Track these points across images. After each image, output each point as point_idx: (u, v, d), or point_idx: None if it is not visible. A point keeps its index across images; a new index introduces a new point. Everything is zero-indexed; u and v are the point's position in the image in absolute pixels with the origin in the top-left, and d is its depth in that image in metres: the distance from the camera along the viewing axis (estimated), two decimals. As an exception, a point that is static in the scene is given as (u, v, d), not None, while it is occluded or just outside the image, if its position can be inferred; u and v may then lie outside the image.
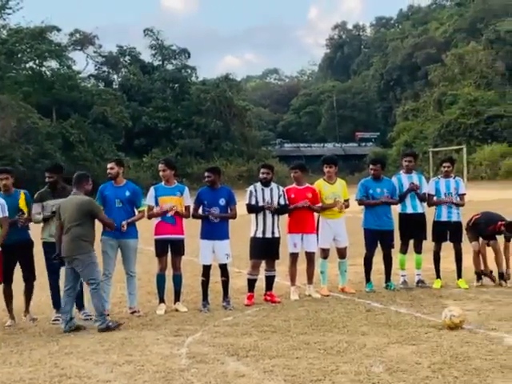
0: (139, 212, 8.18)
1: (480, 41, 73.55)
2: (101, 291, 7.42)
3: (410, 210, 9.36)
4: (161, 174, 8.39)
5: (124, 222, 7.90)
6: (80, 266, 7.31)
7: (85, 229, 7.37)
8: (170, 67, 72.32)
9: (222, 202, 8.36)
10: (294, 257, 8.91)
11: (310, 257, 8.98)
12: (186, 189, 8.46)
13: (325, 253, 9.18)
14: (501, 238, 9.24)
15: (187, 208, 8.34)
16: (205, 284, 8.39)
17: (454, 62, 71.75)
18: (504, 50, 70.89)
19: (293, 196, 8.80)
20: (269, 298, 8.61)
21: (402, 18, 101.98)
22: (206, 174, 8.53)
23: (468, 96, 63.72)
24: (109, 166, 8.23)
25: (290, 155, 69.19)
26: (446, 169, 9.49)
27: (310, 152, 72.52)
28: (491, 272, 9.29)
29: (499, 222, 9.02)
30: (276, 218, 8.59)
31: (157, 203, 8.21)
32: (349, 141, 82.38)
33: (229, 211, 8.44)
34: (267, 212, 8.49)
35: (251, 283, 8.60)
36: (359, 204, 9.32)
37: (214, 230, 8.30)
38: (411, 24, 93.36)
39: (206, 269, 8.39)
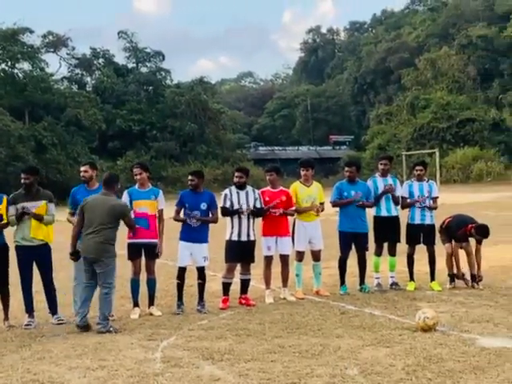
0: None
1: (452, 46, 74.62)
2: (112, 296, 7.49)
3: (384, 213, 9.43)
4: (137, 177, 8.33)
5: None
6: (101, 268, 7.32)
7: (114, 232, 7.44)
8: (144, 70, 71.92)
9: (204, 206, 8.34)
10: (268, 260, 8.91)
11: (284, 259, 8.99)
12: (161, 192, 8.43)
13: (300, 255, 9.20)
14: (473, 241, 9.35)
15: (161, 211, 8.29)
16: (180, 286, 8.37)
17: (427, 67, 72.68)
18: (475, 54, 72.01)
19: (267, 199, 8.81)
20: (244, 301, 8.59)
21: (376, 22, 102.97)
22: (190, 177, 8.53)
23: (440, 100, 64.56)
24: (82, 169, 8.16)
25: (265, 158, 69.32)
26: (418, 172, 9.59)
27: (284, 155, 72.74)
28: (463, 275, 9.39)
29: (470, 225, 9.12)
30: (251, 221, 8.59)
31: (131, 207, 8.14)
32: (323, 144, 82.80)
33: (210, 215, 8.42)
34: (242, 215, 8.48)
35: (226, 287, 8.58)
36: (333, 206, 9.36)
37: (194, 233, 8.29)
38: (384, 28, 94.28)
39: (182, 271, 8.36)
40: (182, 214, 8.38)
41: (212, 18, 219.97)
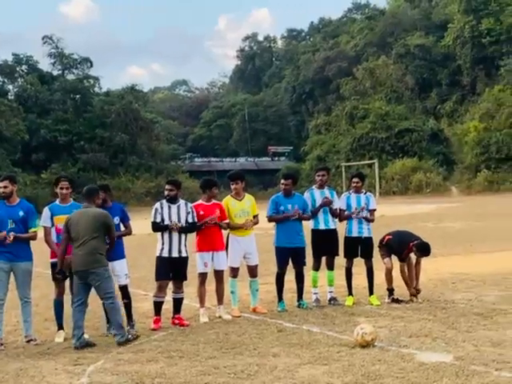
0: (31, 232, 7.89)
1: (390, 55, 76.66)
2: (118, 305, 7.62)
3: (322, 226, 9.53)
4: (64, 191, 8.14)
5: (12, 233, 7.62)
6: (96, 280, 7.46)
7: (100, 242, 7.57)
8: (70, 77, 70.77)
9: (117, 220, 8.24)
10: (203, 277, 8.87)
11: (219, 276, 8.97)
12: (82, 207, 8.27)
13: (234, 272, 9.19)
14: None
15: None
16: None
17: (365, 76, 74.43)
18: (413, 64, 74.23)
19: (202, 213, 8.78)
20: (177, 321, 8.51)
21: (313, 30, 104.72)
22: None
23: (379, 110, 66.18)
24: (1, 184, 7.87)
25: (201, 170, 69.23)
26: (355, 184, 9.78)
27: (221, 167, 72.77)
28: (418, 291, 9.51)
29: (410, 244, 9.33)
30: (183, 236, 8.53)
31: (53, 224, 7.96)
32: (262, 155, 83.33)
33: (122, 229, 8.35)
34: (173, 231, 8.42)
35: (158, 306, 8.49)
36: (269, 221, 9.41)
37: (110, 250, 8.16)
38: (322, 37, 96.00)
39: None
40: None
41: (143, 23, 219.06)
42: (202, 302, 8.89)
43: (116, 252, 8.16)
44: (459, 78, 73.47)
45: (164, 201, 8.63)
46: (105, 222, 7.62)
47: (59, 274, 7.71)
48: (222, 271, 8.98)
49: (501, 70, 65.99)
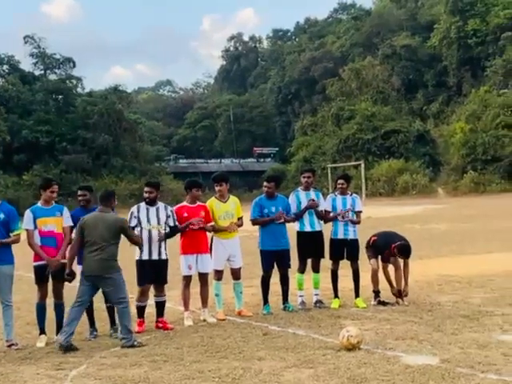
0: (14, 236, 7.85)
1: (376, 55, 77.03)
2: (129, 309, 7.63)
3: (308, 228, 9.53)
4: (54, 195, 8.13)
5: None
6: (110, 286, 7.56)
7: (116, 248, 7.66)
8: (53, 77, 70.47)
9: None
10: (187, 280, 8.85)
11: (203, 278, 8.95)
12: (65, 208, 8.23)
13: (219, 274, 9.18)
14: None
15: (66, 229, 8.08)
16: (90, 311, 8.20)
17: (351, 77, 74.71)
18: (400, 65, 74.70)
19: (186, 215, 8.77)
20: (161, 324, 8.49)
21: (299, 30, 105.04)
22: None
23: (365, 111, 66.44)
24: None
25: (186, 171, 69.16)
26: (340, 186, 9.80)
27: (206, 168, 72.79)
28: (401, 291, 9.56)
29: (392, 245, 9.37)
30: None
31: (35, 226, 7.91)
32: (247, 156, 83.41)
33: None
34: (152, 232, 8.40)
35: (141, 310, 8.48)
36: (253, 224, 9.41)
37: None
38: (308, 37, 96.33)
39: None
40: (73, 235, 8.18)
41: (127, 23, 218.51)
42: (186, 305, 8.87)
43: None
44: (445, 79, 74.07)
45: (142, 203, 8.61)
46: (123, 228, 7.70)
47: (69, 275, 7.71)
48: (207, 274, 8.97)
49: (487, 70, 66.59)
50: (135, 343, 7.41)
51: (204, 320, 8.81)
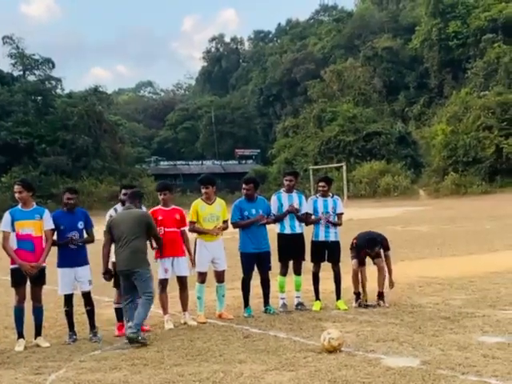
0: None
1: (358, 57, 77.45)
2: (151, 305, 7.89)
3: (288, 231, 9.54)
4: (17, 196, 8.04)
5: None
6: (139, 279, 7.75)
7: (143, 242, 7.94)
8: (32, 78, 70.03)
9: (81, 225, 8.22)
10: (163, 283, 8.80)
11: (182, 281, 8.93)
12: (46, 211, 8.15)
13: (202, 277, 9.16)
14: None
15: (48, 232, 8.01)
16: (69, 314, 8.17)
17: (333, 79, 75.05)
18: (381, 67, 75.17)
19: (160, 218, 8.73)
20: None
21: (281, 32, 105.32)
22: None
23: (347, 113, 66.73)
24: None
25: (167, 173, 69.03)
26: (321, 188, 9.82)
27: (187, 170, 72.70)
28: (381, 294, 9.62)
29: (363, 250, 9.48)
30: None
31: (13, 229, 7.85)
32: (229, 158, 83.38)
33: (85, 235, 8.29)
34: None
35: (119, 312, 8.43)
36: (234, 227, 9.41)
37: (74, 256, 8.12)
38: (290, 39, 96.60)
39: (69, 298, 8.19)
40: (55, 237, 8.14)
41: (107, 24, 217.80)
42: (164, 308, 8.83)
43: (80, 258, 8.14)
44: (427, 81, 74.66)
45: (118, 205, 8.58)
46: (148, 223, 7.95)
47: (106, 273, 7.98)
48: (185, 277, 8.94)
49: (468, 72, 67.22)
50: (139, 338, 7.53)
51: (185, 323, 8.79)
